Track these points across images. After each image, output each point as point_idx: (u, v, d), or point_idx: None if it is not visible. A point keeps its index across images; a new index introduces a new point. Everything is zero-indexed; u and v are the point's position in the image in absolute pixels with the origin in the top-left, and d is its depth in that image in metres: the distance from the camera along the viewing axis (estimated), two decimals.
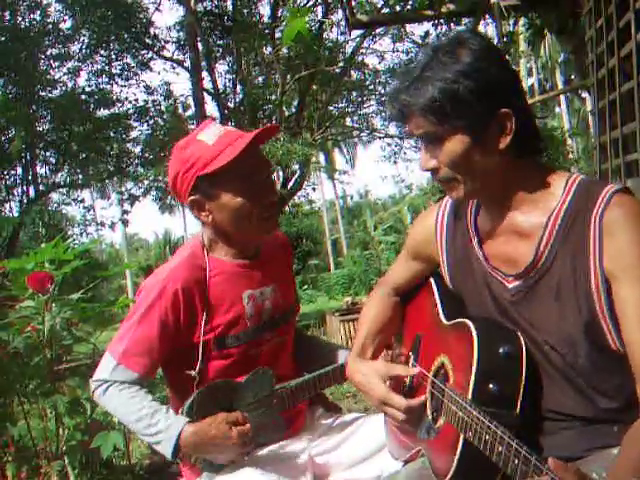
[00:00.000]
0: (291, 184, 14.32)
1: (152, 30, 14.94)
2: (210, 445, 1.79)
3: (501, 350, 1.37)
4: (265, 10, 15.44)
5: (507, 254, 1.43)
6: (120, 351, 1.84)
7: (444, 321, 1.56)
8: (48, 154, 14.77)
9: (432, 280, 1.65)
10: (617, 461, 1.21)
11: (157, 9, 15.53)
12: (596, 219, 1.30)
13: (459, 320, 1.48)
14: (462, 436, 1.34)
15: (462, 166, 1.36)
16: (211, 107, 15.49)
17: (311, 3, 13.34)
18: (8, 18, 13.74)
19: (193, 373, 1.87)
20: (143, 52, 15.07)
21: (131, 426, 1.85)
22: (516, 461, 1.16)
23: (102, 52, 14.69)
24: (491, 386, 1.34)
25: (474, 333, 1.39)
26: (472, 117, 1.31)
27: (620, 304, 1.27)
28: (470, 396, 1.34)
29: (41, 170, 14.95)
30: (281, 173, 14.15)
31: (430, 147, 1.38)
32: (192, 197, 1.86)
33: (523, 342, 1.39)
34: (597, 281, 1.30)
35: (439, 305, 1.60)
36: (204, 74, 14.18)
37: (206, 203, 1.86)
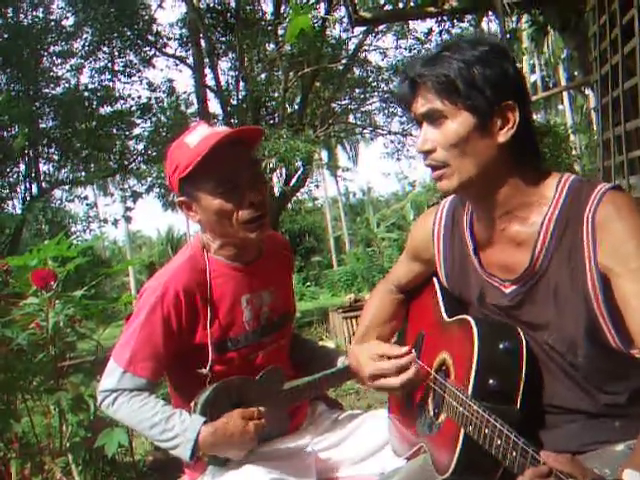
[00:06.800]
0: (294, 181, 14.32)
1: (155, 27, 14.97)
2: (227, 443, 1.78)
3: (501, 345, 1.37)
4: (268, 7, 15.42)
5: (503, 262, 1.43)
6: (126, 358, 1.81)
7: (446, 318, 1.56)
8: (51, 151, 14.80)
9: (435, 279, 1.66)
10: (637, 446, 1.20)
11: (160, 6, 15.45)
12: (588, 218, 1.30)
13: (460, 317, 1.49)
14: (463, 431, 1.34)
15: (459, 149, 1.35)
16: (214, 104, 15.53)
17: (314, 0, 13.34)
18: (11, 15, 13.76)
19: (204, 371, 1.85)
20: (146, 49, 15.08)
21: (145, 433, 1.83)
22: (514, 453, 1.17)
23: (105, 49, 14.71)
24: (491, 381, 1.34)
25: (474, 329, 1.40)
26: (480, 100, 1.33)
27: (622, 297, 1.26)
28: (470, 391, 1.35)
29: (44, 167, 15.02)
30: (284, 170, 14.15)
31: (430, 128, 1.38)
32: (179, 198, 1.88)
33: (523, 338, 1.39)
34: (593, 279, 1.29)
35: (441, 303, 1.61)
36: (207, 71, 14.20)
37: (192, 204, 1.87)
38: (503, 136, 1.35)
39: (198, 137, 1.83)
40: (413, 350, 1.62)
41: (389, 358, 1.59)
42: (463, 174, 1.36)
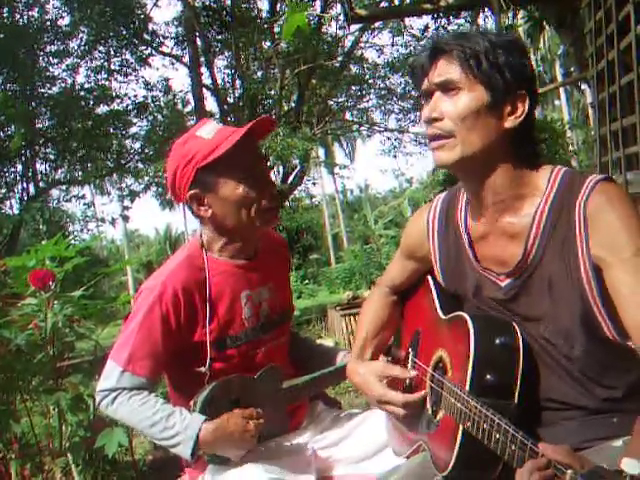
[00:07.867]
0: (291, 179, 14.32)
1: (150, 26, 14.93)
2: (228, 441, 1.79)
3: (498, 341, 1.38)
4: (264, 5, 15.39)
5: (497, 255, 1.44)
6: (125, 357, 1.81)
7: (442, 316, 1.57)
8: (48, 151, 14.76)
9: (429, 277, 1.66)
10: (635, 432, 1.21)
11: (155, 5, 15.49)
12: (580, 208, 1.31)
13: (456, 313, 1.49)
14: (461, 427, 1.35)
15: (468, 122, 1.36)
16: (210, 102, 15.51)
17: None
18: (6, 15, 13.72)
19: (203, 369, 1.85)
20: (142, 48, 15.05)
21: (145, 432, 1.83)
22: (513, 447, 1.17)
23: (101, 48, 14.69)
24: (488, 377, 1.35)
25: (470, 325, 1.40)
26: (498, 81, 1.35)
27: (614, 288, 1.27)
28: (468, 387, 1.35)
29: (41, 167, 14.97)
30: (281, 168, 14.14)
31: (443, 97, 1.39)
32: (191, 191, 1.86)
33: (520, 333, 1.39)
34: (586, 269, 1.30)
35: (437, 301, 1.61)
36: (203, 69, 14.19)
37: (205, 197, 1.86)
38: (510, 122, 1.37)
39: (211, 131, 1.85)
40: (424, 370, 1.62)
41: (397, 379, 1.61)
42: (467, 147, 1.37)
